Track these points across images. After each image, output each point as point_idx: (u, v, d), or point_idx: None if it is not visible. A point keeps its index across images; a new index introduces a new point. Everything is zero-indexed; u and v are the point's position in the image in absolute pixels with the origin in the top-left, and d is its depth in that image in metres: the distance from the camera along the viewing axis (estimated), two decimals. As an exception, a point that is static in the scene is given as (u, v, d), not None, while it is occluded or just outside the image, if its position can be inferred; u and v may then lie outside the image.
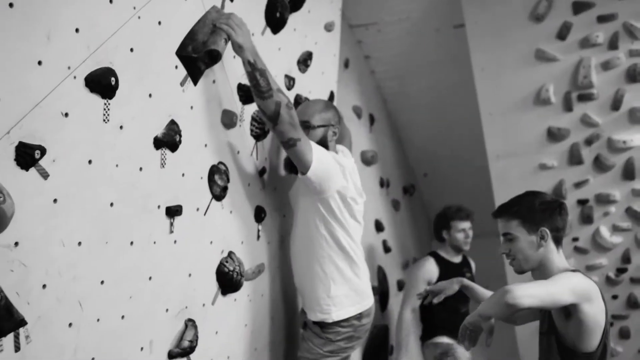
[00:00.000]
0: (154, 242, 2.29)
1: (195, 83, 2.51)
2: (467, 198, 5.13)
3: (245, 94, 2.87)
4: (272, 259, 3.16)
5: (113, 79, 2.04)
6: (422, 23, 5.01)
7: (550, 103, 4.54)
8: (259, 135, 3.03)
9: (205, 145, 2.62)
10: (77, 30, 1.92)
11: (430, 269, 4.31)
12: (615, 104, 4.44)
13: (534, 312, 2.61)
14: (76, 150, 1.94)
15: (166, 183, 2.36)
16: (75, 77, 1.92)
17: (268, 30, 3.10)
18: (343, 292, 3.09)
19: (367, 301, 3.18)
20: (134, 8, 2.17)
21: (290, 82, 3.32)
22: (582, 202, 4.57)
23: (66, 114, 1.89)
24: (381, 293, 4.77)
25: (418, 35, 5.12)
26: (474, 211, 4.53)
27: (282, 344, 3.28)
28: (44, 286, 1.83)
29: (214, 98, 2.68)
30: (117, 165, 2.10)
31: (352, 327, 3.12)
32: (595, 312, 2.32)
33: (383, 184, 5.32)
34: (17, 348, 1.74)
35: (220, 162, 2.70)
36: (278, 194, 3.23)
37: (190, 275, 2.51)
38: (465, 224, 4.42)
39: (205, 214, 2.60)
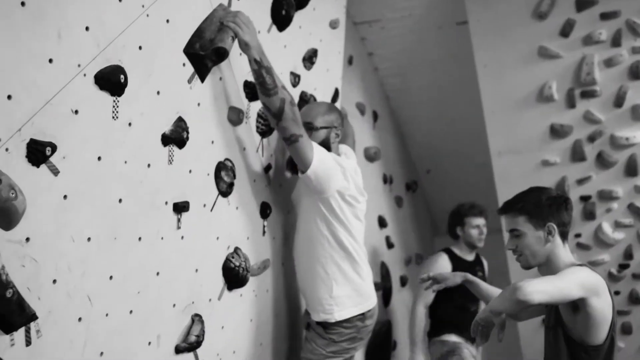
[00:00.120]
0: (162, 238, 2.31)
1: (202, 80, 2.53)
2: (470, 195, 5.13)
3: (251, 91, 2.89)
4: (277, 254, 3.18)
5: (122, 76, 2.06)
6: (424, 20, 5.02)
7: (553, 100, 4.55)
8: (264, 132, 3.05)
9: (212, 142, 2.64)
10: (87, 28, 1.94)
11: (443, 264, 4.30)
12: (618, 101, 4.45)
13: (540, 308, 2.62)
14: (86, 147, 1.96)
15: (173, 179, 2.38)
16: (85, 75, 1.94)
17: (274, 27, 3.12)
18: (345, 293, 3.09)
19: (370, 302, 3.18)
20: (143, 6, 2.19)
21: (295, 79, 3.34)
22: (584, 199, 4.58)
23: (76, 111, 1.91)
24: (384, 289, 4.79)
25: (421, 32, 5.13)
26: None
27: (286, 339, 3.30)
28: (54, 281, 1.85)
29: (221, 95, 2.70)
30: (125, 162, 2.12)
31: (355, 328, 3.13)
32: (602, 305, 2.34)
33: (386, 180, 5.34)
34: (28, 342, 1.76)
35: (226, 159, 2.73)
36: (283, 190, 3.25)
37: (197, 270, 2.53)
38: (480, 220, 4.40)
39: (211, 210, 2.62)
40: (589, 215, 4.58)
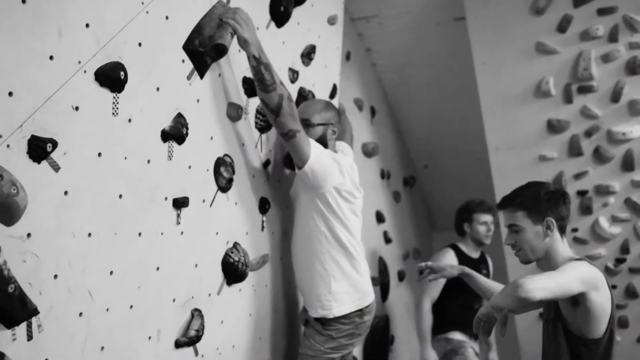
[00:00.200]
0: (162, 234, 2.33)
1: (201, 77, 2.54)
2: (467, 190, 5.16)
3: (250, 87, 2.91)
4: (276, 249, 3.20)
5: (122, 73, 2.07)
6: (422, 16, 5.03)
7: (551, 95, 4.57)
8: (263, 127, 3.06)
9: (211, 138, 2.65)
10: (87, 25, 1.95)
11: (449, 260, 4.29)
12: (615, 96, 4.46)
13: (538, 302, 2.64)
14: (86, 143, 1.97)
15: (173, 175, 2.39)
16: (85, 72, 1.95)
17: (272, 24, 3.13)
18: (343, 289, 3.10)
19: (368, 298, 3.19)
20: (142, 3, 2.20)
21: (294, 75, 3.35)
22: (581, 193, 4.60)
23: (77, 108, 1.92)
24: (382, 284, 4.80)
25: (418, 28, 5.13)
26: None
27: (285, 334, 3.31)
28: (55, 277, 1.86)
29: (220, 91, 2.71)
30: (125, 158, 2.13)
31: (354, 324, 3.14)
32: (602, 299, 2.35)
33: (384, 175, 5.35)
34: (29, 337, 1.78)
35: (225, 155, 2.74)
36: (282, 186, 3.26)
37: (196, 265, 2.54)
38: (488, 217, 4.39)
39: (211, 206, 2.63)
40: (586, 209, 4.60)
